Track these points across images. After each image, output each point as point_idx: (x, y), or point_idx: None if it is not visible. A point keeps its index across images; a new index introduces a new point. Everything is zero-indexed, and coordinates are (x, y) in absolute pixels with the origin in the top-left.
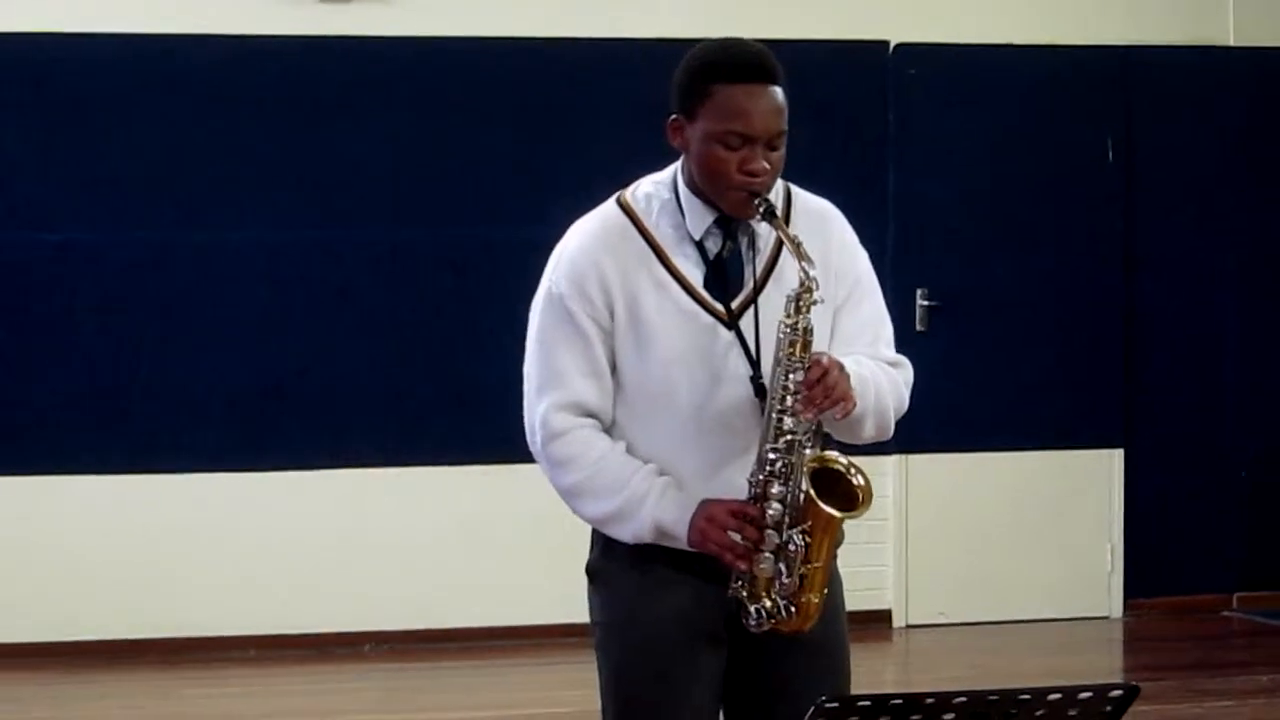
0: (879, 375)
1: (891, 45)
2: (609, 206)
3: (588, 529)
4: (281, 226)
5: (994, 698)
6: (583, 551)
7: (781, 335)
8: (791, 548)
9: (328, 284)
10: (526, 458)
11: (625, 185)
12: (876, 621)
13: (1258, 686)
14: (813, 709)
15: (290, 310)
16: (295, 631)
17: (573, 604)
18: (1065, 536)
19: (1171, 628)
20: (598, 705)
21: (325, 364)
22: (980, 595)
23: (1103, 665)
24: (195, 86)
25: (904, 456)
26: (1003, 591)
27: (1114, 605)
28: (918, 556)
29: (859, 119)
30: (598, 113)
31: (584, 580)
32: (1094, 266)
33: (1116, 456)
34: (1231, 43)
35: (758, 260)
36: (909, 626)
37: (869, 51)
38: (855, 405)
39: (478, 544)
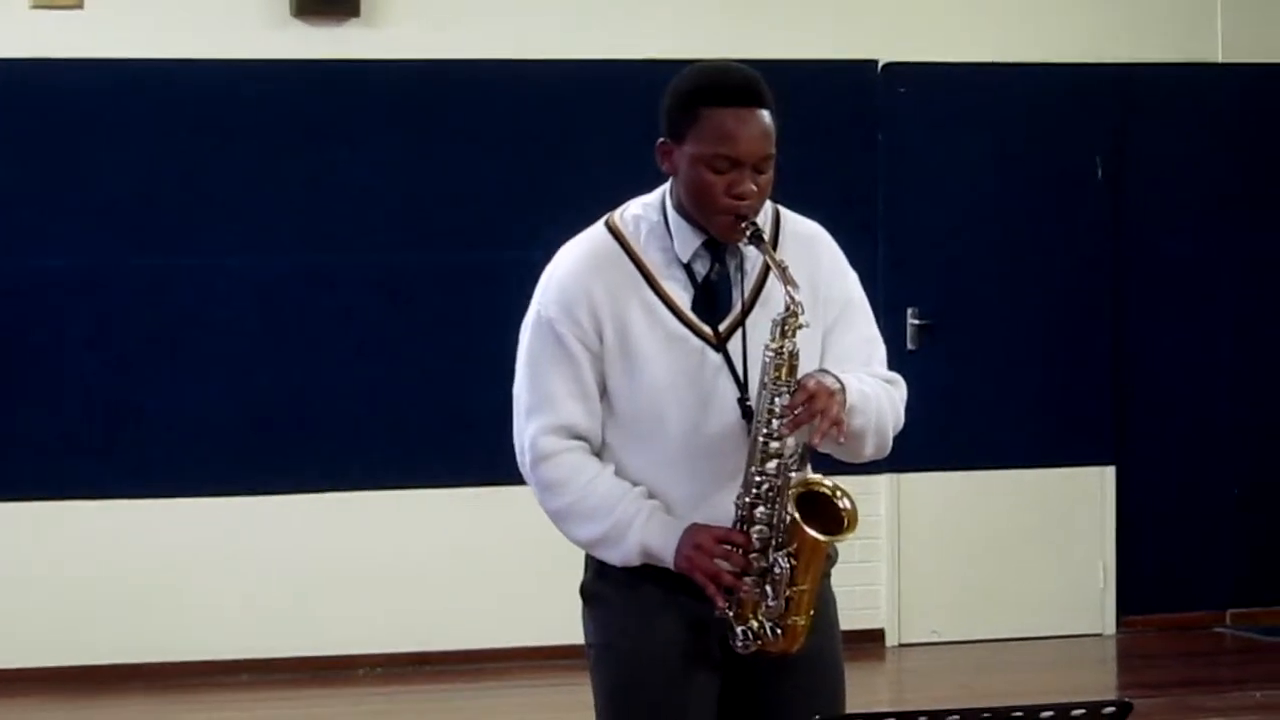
0: (880, 393)
1: (880, 64)
2: (597, 229)
3: (582, 551)
4: (276, 251)
5: (987, 715)
6: (578, 574)
7: (767, 360)
8: (777, 571)
9: (323, 308)
10: (522, 480)
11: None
12: (869, 640)
13: (1251, 703)
14: None
15: (285, 335)
16: (289, 655)
17: (568, 626)
18: (1057, 554)
19: (1164, 644)
20: None
21: (320, 388)
22: (973, 613)
23: (1096, 683)
24: (189, 111)
25: (896, 475)
26: (995, 609)
27: (1107, 622)
28: (910, 575)
29: (848, 138)
30: (592, 134)
31: (579, 602)
32: (1083, 283)
33: (1108, 473)
34: (1220, 59)
35: (745, 283)
36: (902, 645)
37: (858, 71)
38: (846, 427)
39: (473, 566)
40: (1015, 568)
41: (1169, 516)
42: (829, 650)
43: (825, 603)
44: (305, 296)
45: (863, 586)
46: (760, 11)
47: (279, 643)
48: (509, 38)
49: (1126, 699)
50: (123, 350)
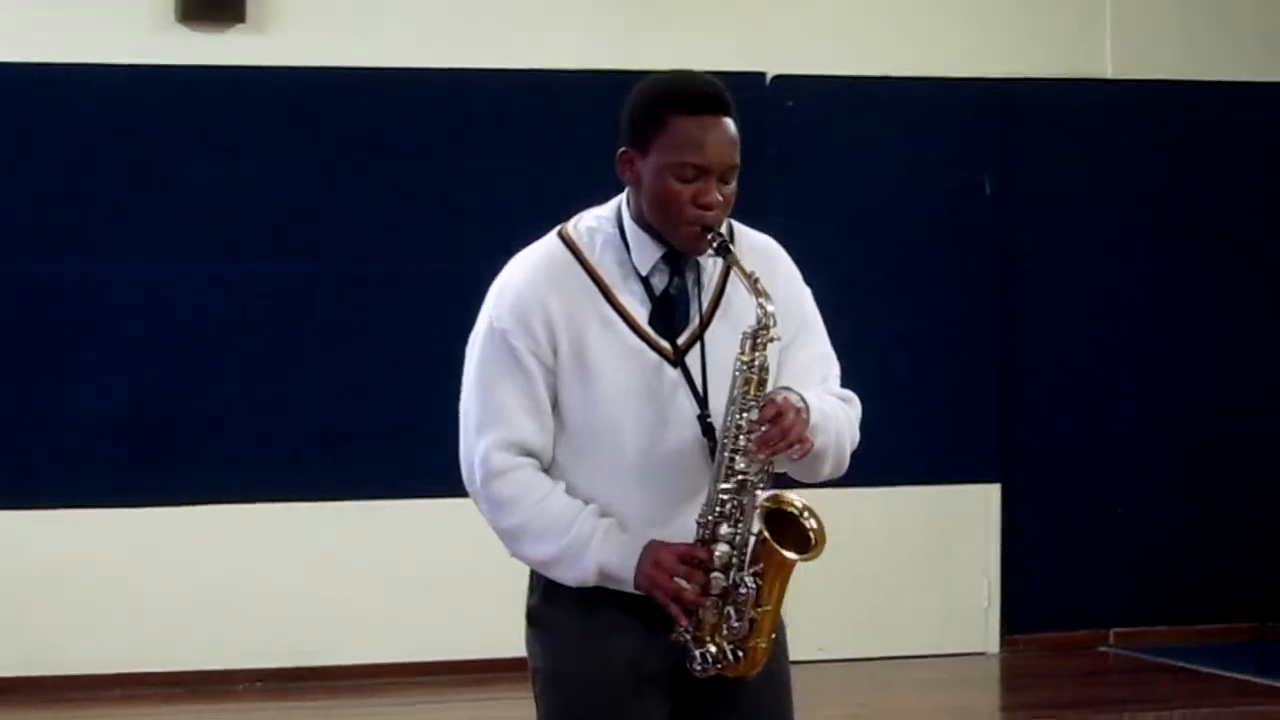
0: (839, 413)
1: (769, 77)
2: (551, 240)
3: (482, 565)
4: (169, 258)
5: None
6: (474, 588)
7: (737, 373)
8: (742, 591)
9: (215, 317)
10: (407, 493)
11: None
12: None
13: None
14: None
15: (173, 344)
16: (171, 669)
17: (459, 640)
18: (942, 572)
19: (1049, 664)
20: None
21: (208, 399)
22: (859, 631)
23: (982, 702)
24: (81, 116)
25: (780, 492)
26: (881, 627)
27: (990, 641)
28: (796, 592)
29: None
30: (487, 145)
31: (477, 616)
32: (971, 300)
33: (993, 491)
34: (1109, 75)
35: (703, 296)
36: (789, 663)
37: (746, 83)
38: (812, 446)
39: (357, 581)
40: (900, 585)
41: (1054, 535)
42: (780, 675)
43: (778, 628)
44: (197, 305)
45: None
46: (651, 23)
47: (160, 657)
48: (414, 47)
49: None
50: (6, 357)
